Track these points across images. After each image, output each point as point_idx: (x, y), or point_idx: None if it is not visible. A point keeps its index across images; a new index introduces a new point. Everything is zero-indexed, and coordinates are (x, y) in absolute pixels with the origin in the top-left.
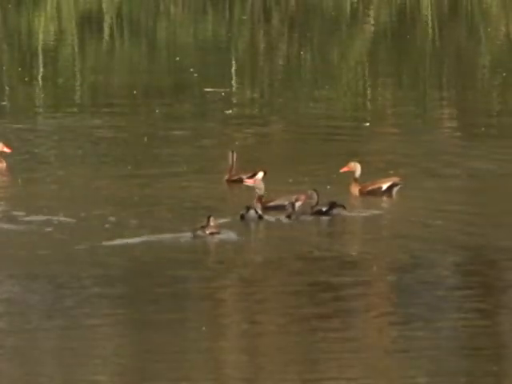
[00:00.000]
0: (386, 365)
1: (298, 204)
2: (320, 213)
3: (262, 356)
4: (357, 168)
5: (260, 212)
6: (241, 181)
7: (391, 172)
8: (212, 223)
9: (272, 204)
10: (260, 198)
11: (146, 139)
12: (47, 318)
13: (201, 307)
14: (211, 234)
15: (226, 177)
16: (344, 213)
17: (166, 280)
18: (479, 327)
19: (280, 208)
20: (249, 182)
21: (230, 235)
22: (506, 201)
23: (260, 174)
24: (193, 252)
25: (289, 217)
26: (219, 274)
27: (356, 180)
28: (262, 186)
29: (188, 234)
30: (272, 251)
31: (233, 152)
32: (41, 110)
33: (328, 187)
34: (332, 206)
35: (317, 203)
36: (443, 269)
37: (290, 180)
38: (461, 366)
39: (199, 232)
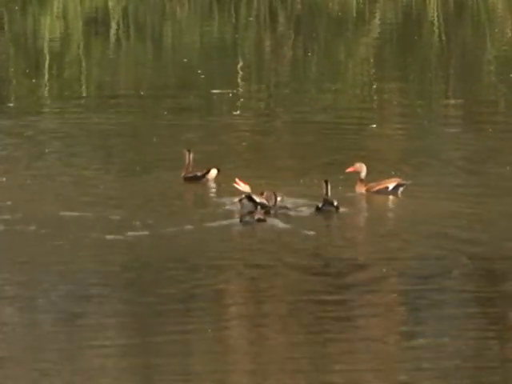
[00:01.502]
0: (392, 368)
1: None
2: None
3: (267, 359)
4: (362, 169)
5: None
6: (196, 178)
7: (393, 173)
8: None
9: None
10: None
11: (154, 139)
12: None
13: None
14: (258, 220)
15: (183, 174)
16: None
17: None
18: (486, 331)
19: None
20: (237, 185)
21: (275, 222)
22: None
23: (213, 171)
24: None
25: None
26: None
27: (361, 180)
28: (247, 188)
29: (236, 221)
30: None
31: (189, 151)
32: (47, 109)
33: (340, 188)
34: (325, 203)
35: (274, 205)
36: (449, 271)
37: (301, 181)
38: (467, 373)
39: (247, 218)
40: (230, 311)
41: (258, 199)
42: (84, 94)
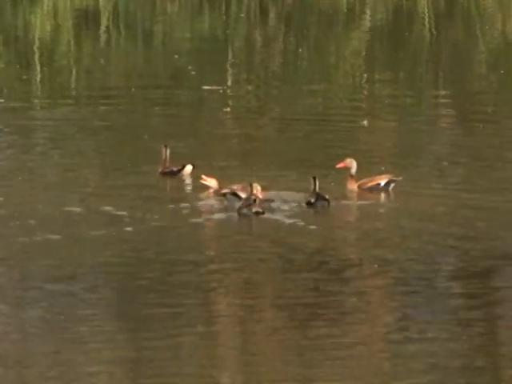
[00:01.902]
0: (383, 369)
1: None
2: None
3: (257, 357)
4: (353, 164)
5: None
6: (172, 173)
7: (383, 168)
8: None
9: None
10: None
11: (145, 135)
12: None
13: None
14: (256, 213)
15: (160, 169)
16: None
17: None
18: (478, 329)
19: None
20: (204, 181)
21: (283, 215)
22: (506, 194)
23: (188, 167)
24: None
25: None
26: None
27: (352, 176)
28: (213, 182)
29: (233, 213)
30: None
31: (166, 146)
32: (38, 104)
33: (332, 184)
34: (318, 198)
35: (248, 198)
36: (441, 269)
37: (294, 177)
38: (460, 374)
39: (245, 210)
40: (219, 308)
41: (242, 194)
42: (74, 90)
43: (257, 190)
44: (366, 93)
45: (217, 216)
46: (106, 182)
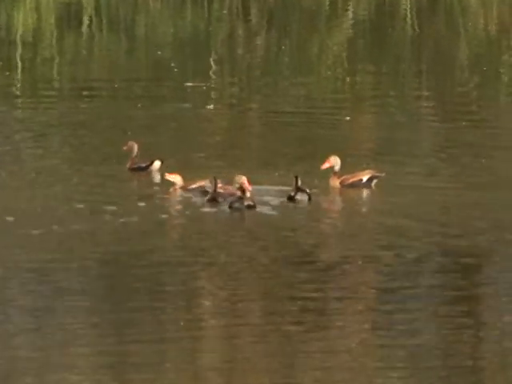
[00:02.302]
0: (365, 367)
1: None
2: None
3: (240, 358)
4: (337, 162)
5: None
6: (140, 169)
7: (366, 165)
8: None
9: (193, 187)
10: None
11: (129, 133)
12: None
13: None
14: (248, 207)
15: (128, 165)
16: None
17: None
18: (463, 329)
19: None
20: (168, 177)
21: (264, 210)
22: (488, 190)
23: (157, 163)
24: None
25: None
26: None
27: (335, 173)
28: (178, 179)
29: (224, 207)
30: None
31: (135, 143)
32: (20, 100)
33: (316, 180)
34: (298, 191)
35: (214, 191)
36: (423, 265)
37: (277, 174)
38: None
39: (237, 204)
40: (203, 305)
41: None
42: (57, 86)
43: (243, 181)
44: (348, 88)
45: (187, 212)
46: (87, 177)
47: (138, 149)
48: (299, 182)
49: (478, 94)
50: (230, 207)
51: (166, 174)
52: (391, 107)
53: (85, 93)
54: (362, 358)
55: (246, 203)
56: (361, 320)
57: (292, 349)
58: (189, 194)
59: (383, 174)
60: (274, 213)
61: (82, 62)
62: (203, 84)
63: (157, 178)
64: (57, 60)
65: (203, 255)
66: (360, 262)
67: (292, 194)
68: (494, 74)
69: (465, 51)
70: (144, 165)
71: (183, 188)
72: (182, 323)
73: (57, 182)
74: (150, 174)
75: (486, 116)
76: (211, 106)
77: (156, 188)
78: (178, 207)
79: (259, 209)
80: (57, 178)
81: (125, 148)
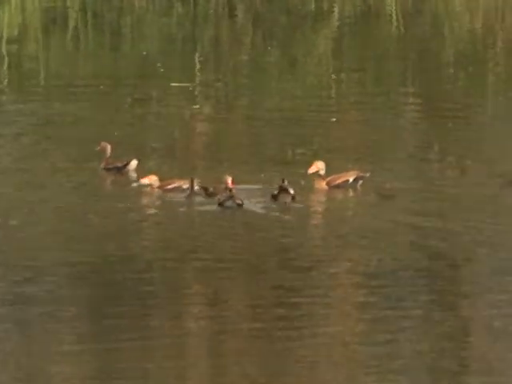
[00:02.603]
0: (349, 367)
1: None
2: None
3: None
4: (322, 166)
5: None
6: (117, 169)
7: (350, 166)
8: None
9: (170, 187)
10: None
11: (116, 133)
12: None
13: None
14: (238, 205)
15: (102, 165)
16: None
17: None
18: (447, 328)
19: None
20: (143, 182)
21: (252, 207)
22: (476, 190)
23: (134, 162)
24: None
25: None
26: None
27: (320, 176)
28: (154, 178)
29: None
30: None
31: (108, 144)
32: (4, 99)
33: (302, 183)
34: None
35: (191, 190)
36: (410, 268)
37: (262, 175)
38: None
39: (229, 203)
40: (187, 306)
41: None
42: (42, 85)
43: (226, 180)
44: (334, 89)
45: (165, 211)
46: (72, 177)
47: (112, 149)
48: (285, 182)
49: (464, 94)
50: (221, 205)
51: (140, 180)
52: (377, 108)
53: (70, 93)
54: (350, 360)
55: (237, 201)
56: (345, 321)
57: (279, 350)
58: (168, 194)
59: (368, 175)
60: (260, 211)
61: (67, 62)
62: (189, 84)
63: (133, 177)
64: (42, 58)
65: (188, 256)
66: (347, 263)
67: (276, 192)
68: (479, 73)
69: (450, 52)
70: (120, 164)
71: (160, 188)
72: (166, 327)
73: (36, 180)
74: (126, 173)
75: (472, 116)
76: (197, 106)
77: (133, 187)
78: (156, 207)
79: (245, 207)
80: (37, 177)
81: (98, 148)
